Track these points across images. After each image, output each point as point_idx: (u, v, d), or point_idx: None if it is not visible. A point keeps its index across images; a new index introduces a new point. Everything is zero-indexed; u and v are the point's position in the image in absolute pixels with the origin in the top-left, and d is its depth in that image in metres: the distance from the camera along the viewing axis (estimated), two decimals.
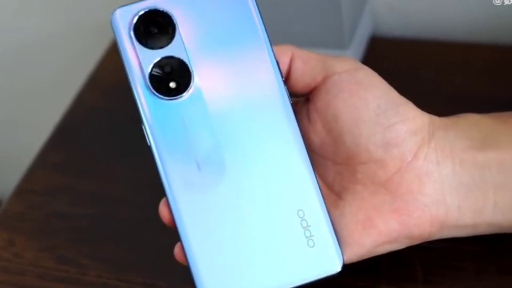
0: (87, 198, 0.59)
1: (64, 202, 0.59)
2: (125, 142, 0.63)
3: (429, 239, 0.46)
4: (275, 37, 0.63)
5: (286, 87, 0.45)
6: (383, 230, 0.44)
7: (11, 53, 0.89)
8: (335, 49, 0.62)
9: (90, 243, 0.56)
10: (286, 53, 0.46)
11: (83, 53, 0.78)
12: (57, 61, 0.88)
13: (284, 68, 0.46)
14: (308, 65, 0.46)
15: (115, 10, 0.44)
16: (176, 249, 0.44)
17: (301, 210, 0.44)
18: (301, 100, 0.48)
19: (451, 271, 0.49)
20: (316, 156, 0.47)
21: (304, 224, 0.44)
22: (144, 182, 0.59)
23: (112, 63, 0.72)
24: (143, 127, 0.44)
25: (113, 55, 0.72)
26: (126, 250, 0.55)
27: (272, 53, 0.45)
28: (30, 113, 0.95)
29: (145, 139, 0.45)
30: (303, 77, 0.46)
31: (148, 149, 0.44)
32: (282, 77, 0.45)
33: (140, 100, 0.44)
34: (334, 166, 0.47)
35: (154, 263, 0.53)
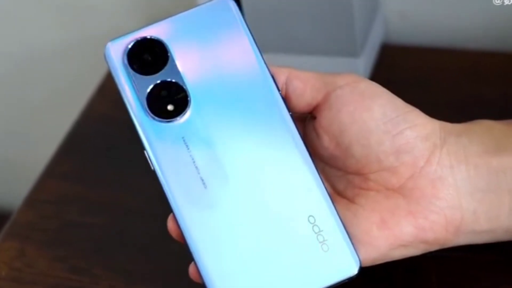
0: (98, 207, 0.59)
1: (75, 212, 0.59)
2: (136, 151, 0.63)
3: (446, 246, 0.45)
4: (288, 45, 0.63)
5: (283, 99, 0.45)
6: (397, 232, 0.44)
7: (20, 63, 0.89)
8: (347, 57, 0.62)
9: (102, 252, 0.55)
10: (282, 72, 0.46)
11: (93, 63, 0.78)
12: (67, 71, 0.88)
13: (280, 86, 0.46)
14: (307, 84, 0.46)
15: (107, 43, 0.45)
16: (191, 269, 0.44)
17: (311, 216, 0.44)
18: (308, 118, 0.48)
19: (467, 281, 0.49)
20: (326, 167, 0.47)
21: (316, 230, 0.44)
22: (155, 191, 0.58)
23: None
24: (145, 152, 0.45)
25: None
26: (138, 260, 0.55)
27: (266, 68, 0.45)
28: (40, 123, 0.94)
29: (149, 165, 0.45)
30: (304, 97, 0.46)
31: (153, 173, 0.45)
32: (279, 90, 0.45)
33: (140, 126, 0.45)
34: (345, 176, 0.46)
35: (166, 273, 0.53)
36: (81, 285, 0.53)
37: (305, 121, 0.48)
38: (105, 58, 0.46)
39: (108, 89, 0.70)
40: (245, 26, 0.46)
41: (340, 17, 0.60)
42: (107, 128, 0.67)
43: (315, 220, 0.44)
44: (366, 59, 0.64)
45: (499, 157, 0.45)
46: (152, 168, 0.45)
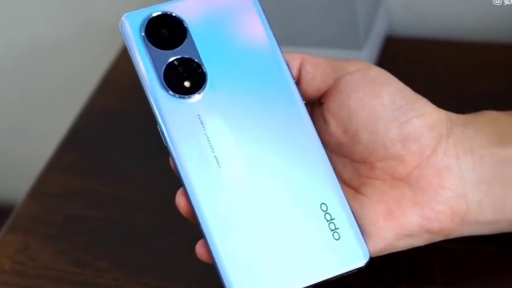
0: (102, 201, 0.59)
1: (79, 205, 0.59)
2: (140, 145, 0.63)
3: (450, 236, 0.45)
4: (291, 37, 0.63)
5: (297, 87, 0.46)
6: (403, 222, 0.44)
7: (22, 57, 0.89)
8: (350, 49, 0.62)
9: (106, 246, 0.55)
10: (296, 58, 0.47)
11: (95, 56, 0.78)
12: (69, 64, 0.87)
13: (294, 71, 0.46)
14: (318, 69, 0.46)
15: (123, 15, 0.45)
16: (199, 248, 0.44)
17: (323, 203, 0.44)
18: (315, 104, 0.48)
19: (471, 273, 0.49)
20: (333, 155, 0.47)
21: (328, 218, 0.44)
22: (158, 185, 0.58)
23: (125, 64, 0.71)
24: (158, 127, 0.44)
25: (126, 57, 0.71)
26: (142, 253, 0.54)
27: (281, 54, 0.46)
28: (42, 117, 0.94)
29: (161, 139, 0.44)
30: (314, 81, 0.46)
31: (165, 149, 0.44)
32: (293, 77, 0.46)
33: (155, 100, 0.44)
34: (351, 164, 0.47)
35: (170, 266, 0.53)
36: (84, 278, 0.53)
37: (313, 107, 0.48)
38: (121, 30, 0.45)
39: (111, 82, 0.70)
40: (262, 11, 0.46)
41: (343, 9, 0.60)
42: (110, 121, 0.66)
43: (327, 208, 0.44)
44: (369, 51, 0.64)
45: (503, 148, 0.45)
46: (165, 143, 0.44)
